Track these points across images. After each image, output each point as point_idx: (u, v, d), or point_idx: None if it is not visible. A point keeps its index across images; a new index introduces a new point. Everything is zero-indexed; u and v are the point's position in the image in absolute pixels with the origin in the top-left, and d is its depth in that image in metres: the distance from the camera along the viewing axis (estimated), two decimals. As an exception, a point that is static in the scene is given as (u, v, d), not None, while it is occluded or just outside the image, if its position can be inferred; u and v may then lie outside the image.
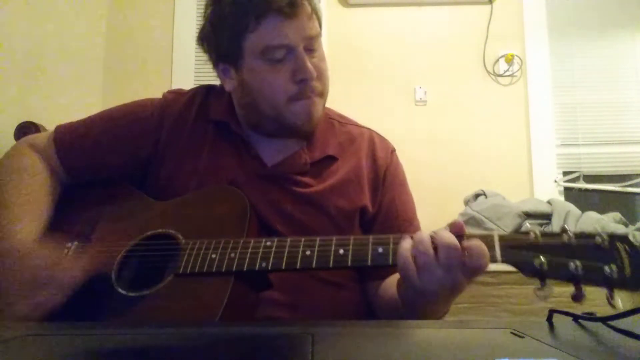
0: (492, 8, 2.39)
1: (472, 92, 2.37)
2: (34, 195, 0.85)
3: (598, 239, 0.58)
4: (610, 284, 0.55)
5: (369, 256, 0.67)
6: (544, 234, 0.62)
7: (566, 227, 0.62)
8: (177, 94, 0.98)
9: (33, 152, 0.91)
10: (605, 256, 0.57)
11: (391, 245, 0.67)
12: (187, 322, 0.65)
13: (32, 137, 0.96)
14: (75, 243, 0.82)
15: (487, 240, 0.63)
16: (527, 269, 0.60)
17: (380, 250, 0.67)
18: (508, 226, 1.81)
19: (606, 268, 0.56)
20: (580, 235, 0.60)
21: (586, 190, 2.28)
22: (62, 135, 0.93)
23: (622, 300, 0.54)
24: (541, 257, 0.59)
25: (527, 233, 0.62)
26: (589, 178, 2.30)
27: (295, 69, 0.83)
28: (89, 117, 0.96)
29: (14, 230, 0.78)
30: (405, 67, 2.40)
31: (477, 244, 0.61)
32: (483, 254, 0.61)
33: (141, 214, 0.86)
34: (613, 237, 0.58)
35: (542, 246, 0.61)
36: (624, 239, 0.58)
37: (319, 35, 0.87)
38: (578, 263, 0.57)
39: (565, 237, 0.60)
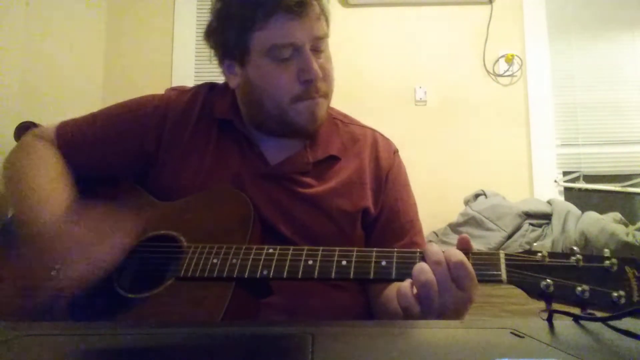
0: (492, 8, 2.39)
1: (472, 92, 2.37)
2: (55, 174, 0.85)
3: (607, 263, 0.57)
4: (618, 310, 0.54)
5: (372, 269, 0.66)
6: (551, 255, 0.60)
7: (575, 248, 0.60)
8: (180, 91, 0.98)
9: (42, 142, 0.92)
10: (614, 281, 0.56)
11: (394, 260, 0.66)
12: (187, 323, 0.65)
13: (37, 130, 0.96)
14: (98, 223, 0.81)
15: (493, 259, 0.63)
16: (533, 291, 0.59)
17: (383, 263, 0.66)
18: (508, 226, 1.81)
19: (614, 294, 0.55)
20: (589, 258, 0.59)
21: (586, 190, 2.28)
22: (65, 132, 0.93)
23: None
24: (548, 279, 0.58)
25: (534, 253, 0.61)
26: (589, 178, 2.30)
27: (301, 68, 0.83)
28: (91, 114, 0.96)
29: (47, 206, 0.77)
30: (405, 67, 2.40)
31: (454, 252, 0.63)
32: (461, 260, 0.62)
33: (144, 214, 0.85)
34: (622, 262, 0.57)
35: (549, 267, 0.59)
36: (633, 263, 0.57)
37: (326, 36, 0.87)
38: (585, 287, 0.56)
39: (573, 260, 0.59)
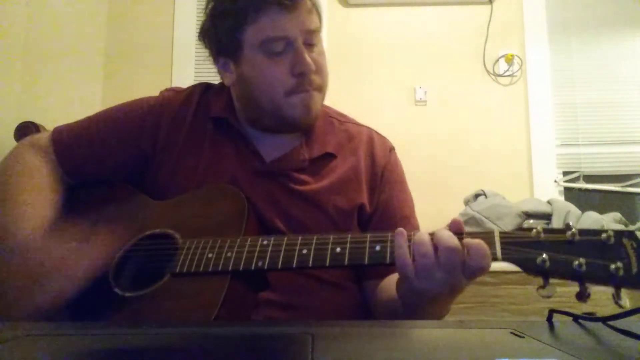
0: (492, 8, 2.39)
1: (472, 92, 2.37)
2: (36, 194, 0.85)
3: (604, 236, 0.56)
4: (616, 283, 0.53)
5: (366, 255, 0.66)
6: (546, 231, 0.59)
7: (570, 223, 0.59)
8: (175, 91, 0.98)
9: (34, 152, 0.92)
10: (611, 253, 0.55)
11: (389, 243, 0.66)
12: (186, 322, 0.65)
13: (34, 138, 0.96)
14: (74, 243, 0.82)
15: (488, 237, 0.61)
16: (529, 267, 0.58)
17: (377, 248, 0.66)
18: (508, 226, 1.81)
19: (612, 266, 0.53)
20: (585, 232, 0.57)
21: (586, 190, 2.28)
22: (60, 136, 0.93)
23: (629, 299, 0.53)
24: (544, 254, 0.57)
25: (529, 230, 0.60)
26: (589, 178, 2.30)
27: (294, 62, 0.83)
28: (87, 118, 0.96)
29: (16, 229, 0.78)
30: (405, 67, 2.40)
31: (479, 244, 0.60)
32: (485, 254, 0.59)
33: (140, 214, 0.86)
34: (619, 234, 0.56)
35: (544, 243, 0.58)
36: (631, 235, 0.55)
37: (318, 30, 0.87)
38: (582, 261, 0.55)
39: (569, 234, 0.57)
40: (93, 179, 0.94)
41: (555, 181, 2.29)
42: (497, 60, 2.38)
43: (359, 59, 2.39)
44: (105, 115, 0.96)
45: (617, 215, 1.79)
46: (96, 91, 2.37)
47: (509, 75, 2.37)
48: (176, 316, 0.69)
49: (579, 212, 1.81)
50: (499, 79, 2.38)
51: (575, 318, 0.56)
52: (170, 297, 0.70)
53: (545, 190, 2.25)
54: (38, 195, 0.86)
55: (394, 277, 0.80)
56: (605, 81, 2.37)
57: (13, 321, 0.69)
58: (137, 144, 0.92)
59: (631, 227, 1.73)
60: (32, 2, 1.86)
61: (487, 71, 2.38)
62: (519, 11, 2.41)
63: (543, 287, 0.57)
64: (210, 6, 0.88)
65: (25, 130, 1.56)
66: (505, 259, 0.60)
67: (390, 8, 2.44)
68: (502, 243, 0.61)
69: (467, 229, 0.65)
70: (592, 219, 1.74)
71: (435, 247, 0.62)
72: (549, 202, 1.90)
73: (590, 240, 0.57)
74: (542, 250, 0.58)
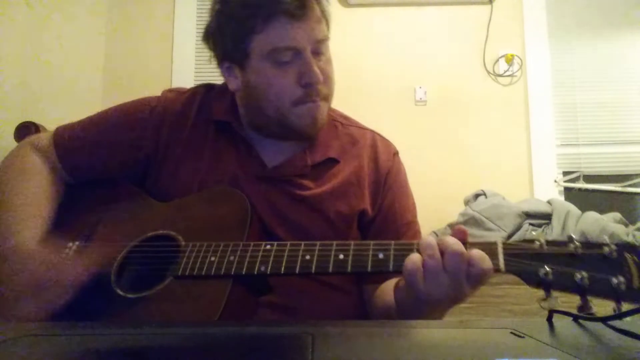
0: (492, 8, 2.39)
1: (472, 92, 2.37)
2: (37, 196, 0.85)
3: (606, 249, 0.57)
4: (618, 296, 0.54)
5: (369, 262, 0.66)
6: (549, 243, 0.60)
7: (572, 235, 0.60)
8: (177, 92, 0.97)
9: (36, 152, 0.91)
10: (613, 267, 0.55)
11: (392, 252, 0.66)
12: (186, 323, 0.65)
13: (35, 138, 0.96)
14: (77, 243, 0.82)
15: (491, 248, 0.62)
16: (531, 279, 0.58)
17: (380, 256, 0.66)
18: (508, 226, 1.81)
19: (613, 280, 0.54)
20: (587, 245, 0.58)
21: (586, 190, 2.28)
22: (62, 136, 0.93)
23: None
24: (546, 267, 0.57)
25: (532, 241, 0.61)
26: (589, 178, 2.30)
27: (302, 72, 0.82)
28: (88, 117, 0.96)
29: (16, 232, 0.78)
30: (405, 67, 2.40)
31: (478, 252, 0.60)
32: (484, 258, 0.60)
33: (142, 215, 0.86)
34: (621, 247, 0.56)
35: (547, 255, 0.59)
36: (633, 249, 0.56)
37: (327, 39, 0.87)
38: (584, 274, 0.56)
39: (571, 247, 0.58)
40: (95, 178, 0.93)
41: (555, 181, 2.29)
42: (497, 60, 2.38)
43: (359, 59, 2.39)
44: (106, 115, 0.95)
45: (617, 215, 1.79)
46: (96, 91, 2.37)
47: (509, 75, 2.37)
48: (177, 319, 0.68)
49: (579, 212, 1.81)
50: (499, 79, 2.38)
51: (575, 318, 0.56)
52: (172, 300, 0.70)
53: (545, 190, 2.25)
54: (39, 196, 0.86)
55: (390, 284, 0.80)
56: (605, 81, 2.37)
57: (13, 321, 0.69)
58: (139, 146, 0.91)
59: (631, 227, 1.73)
60: (32, 2, 1.86)
61: (487, 71, 2.38)
62: (519, 11, 2.41)
63: (545, 299, 0.57)
64: (216, 8, 0.86)
65: (25, 130, 1.56)
66: (508, 270, 0.60)
67: (390, 8, 2.44)
68: (505, 254, 0.61)
69: (466, 229, 0.65)
70: (592, 219, 1.74)
71: (442, 252, 0.62)
72: (549, 202, 1.90)
73: (593, 254, 0.57)
74: (544, 262, 0.58)
